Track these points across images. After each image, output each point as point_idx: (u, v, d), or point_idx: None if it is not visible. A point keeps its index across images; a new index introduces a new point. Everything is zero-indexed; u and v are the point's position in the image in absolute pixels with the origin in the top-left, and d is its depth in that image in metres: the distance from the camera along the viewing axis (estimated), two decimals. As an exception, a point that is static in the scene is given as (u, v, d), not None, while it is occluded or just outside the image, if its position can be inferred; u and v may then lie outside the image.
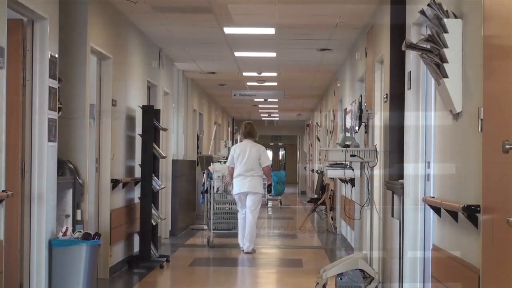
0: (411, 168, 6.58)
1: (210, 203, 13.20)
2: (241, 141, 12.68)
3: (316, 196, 17.17)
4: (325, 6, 9.54)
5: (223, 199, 13.34)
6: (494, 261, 4.02)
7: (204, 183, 14.79)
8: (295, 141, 41.20)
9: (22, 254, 6.77)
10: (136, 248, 10.56)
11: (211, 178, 13.37)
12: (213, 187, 13.30)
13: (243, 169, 11.99)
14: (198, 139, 18.93)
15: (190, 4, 9.57)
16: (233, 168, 12.13)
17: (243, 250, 11.96)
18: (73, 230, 7.40)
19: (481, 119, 4.40)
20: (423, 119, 6.49)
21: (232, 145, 25.56)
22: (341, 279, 8.18)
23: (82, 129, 8.21)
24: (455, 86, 5.15)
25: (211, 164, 13.89)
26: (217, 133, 24.29)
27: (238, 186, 12.05)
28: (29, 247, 6.84)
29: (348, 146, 8.59)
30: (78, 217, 8.07)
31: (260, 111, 29.63)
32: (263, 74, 16.83)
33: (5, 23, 5.85)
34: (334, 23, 10.49)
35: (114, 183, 9.30)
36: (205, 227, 13.66)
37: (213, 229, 12.88)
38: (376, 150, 8.34)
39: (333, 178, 14.74)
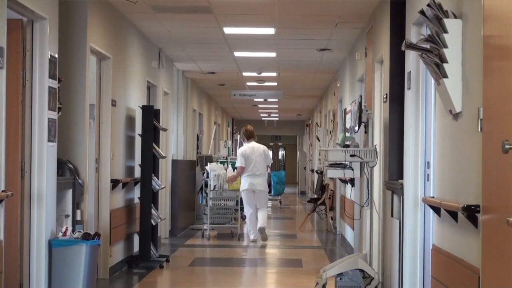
0: (411, 168, 6.58)
1: (206, 200, 14.02)
2: (245, 143, 13.75)
3: (316, 196, 17.18)
4: (325, 6, 9.54)
5: (219, 196, 13.83)
6: (494, 261, 4.02)
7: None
8: (295, 141, 41.20)
9: (22, 254, 6.77)
10: (136, 248, 10.57)
11: (207, 177, 14.02)
12: (210, 185, 13.92)
13: (253, 168, 13.22)
14: (198, 139, 18.93)
15: (190, 4, 9.57)
16: (243, 168, 13.27)
17: (253, 240, 13.24)
18: (73, 230, 7.40)
19: (481, 119, 4.40)
20: (422, 119, 6.49)
21: (232, 145, 25.77)
22: (341, 279, 8.18)
23: (82, 129, 8.21)
24: (455, 86, 5.15)
25: (208, 163, 14.38)
26: (217, 133, 24.29)
27: (247, 183, 13.24)
28: (29, 247, 6.85)
29: (347, 146, 8.59)
30: (78, 217, 8.07)
31: (260, 111, 29.63)
32: (263, 74, 16.83)
33: (5, 23, 5.85)
34: (334, 23, 10.49)
35: (114, 183, 9.30)
36: (205, 226, 13.86)
37: (210, 223, 13.89)
38: (376, 150, 8.34)
39: (333, 178, 14.74)
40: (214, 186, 13.90)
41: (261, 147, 13.56)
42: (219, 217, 14.08)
